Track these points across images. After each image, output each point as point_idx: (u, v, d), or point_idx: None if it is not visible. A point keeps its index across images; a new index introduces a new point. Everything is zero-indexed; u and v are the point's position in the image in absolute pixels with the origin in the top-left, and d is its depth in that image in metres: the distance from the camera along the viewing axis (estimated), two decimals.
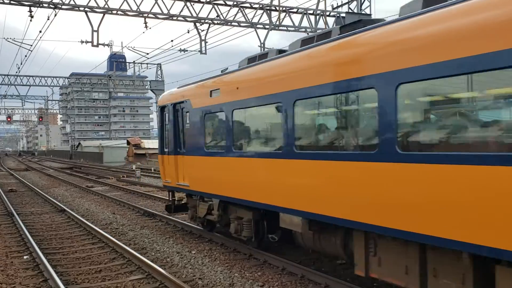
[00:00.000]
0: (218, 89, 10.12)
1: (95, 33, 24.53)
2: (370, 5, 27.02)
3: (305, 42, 8.23)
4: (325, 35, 7.75)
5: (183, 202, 13.49)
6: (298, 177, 7.61)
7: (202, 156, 10.82)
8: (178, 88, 12.70)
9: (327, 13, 28.04)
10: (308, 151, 7.52)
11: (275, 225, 8.92)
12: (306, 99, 7.44)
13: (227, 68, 11.09)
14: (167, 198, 19.24)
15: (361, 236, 6.73)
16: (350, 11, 27.41)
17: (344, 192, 6.62)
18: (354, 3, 27.49)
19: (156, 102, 49.32)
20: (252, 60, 9.85)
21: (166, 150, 13.06)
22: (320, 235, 7.89)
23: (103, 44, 27.46)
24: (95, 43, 24.71)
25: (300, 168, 7.54)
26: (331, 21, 28.41)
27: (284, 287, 8.06)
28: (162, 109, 13.27)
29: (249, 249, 10.17)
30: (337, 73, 6.71)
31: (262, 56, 9.59)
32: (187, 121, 11.67)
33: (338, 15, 27.98)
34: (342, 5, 28.25)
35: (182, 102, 11.89)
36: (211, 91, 10.39)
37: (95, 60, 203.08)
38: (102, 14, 24.56)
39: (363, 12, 26.55)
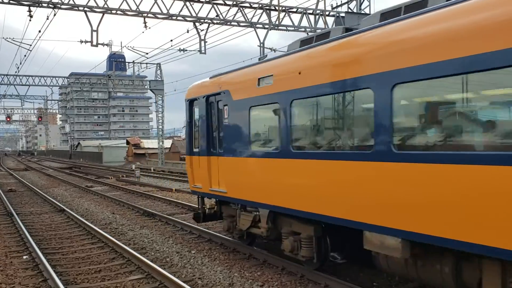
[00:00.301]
0: (271, 75, 8.33)
1: (94, 33, 24.61)
2: (369, 5, 27.08)
3: (384, 17, 6.65)
4: (416, 5, 6.17)
5: (215, 210, 11.30)
6: (399, 185, 5.79)
7: (246, 158, 9.12)
8: (210, 78, 10.90)
9: (327, 13, 28.10)
10: (417, 152, 5.66)
11: (341, 242, 7.90)
12: (409, 83, 5.67)
13: (266, 56, 9.99)
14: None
15: (495, 266, 5.13)
16: (349, 10, 27.46)
17: (475, 208, 4.92)
18: (354, 3, 27.56)
19: (156, 102, 49.69)
20: (307, 42, 8.28)
21: (196, 150, 11.25)
22: (416, 260, 6.10)
23: (103, 44, 27.52)
24: (94, 43, 24.77)
25: (402, 174, 5.73)
26: (330, 20, 28.48)
27: (283, 287, 8.04)
28: (191, 102, 11.47)
29: (249, 249, 10.13)
30: (469, 46, 4.90)
31: (320, 37, 8.02)
32: (225, 116, 9.89)
33: (337, 14, 28.04)
34: (341, 5, 28.34)
35: (218, 93, 10.09)
36: (259, 79, 8.67)
37: (95, 60, 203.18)
38: (101, 14, 24.62)
39: (362, 12, 26.58)
